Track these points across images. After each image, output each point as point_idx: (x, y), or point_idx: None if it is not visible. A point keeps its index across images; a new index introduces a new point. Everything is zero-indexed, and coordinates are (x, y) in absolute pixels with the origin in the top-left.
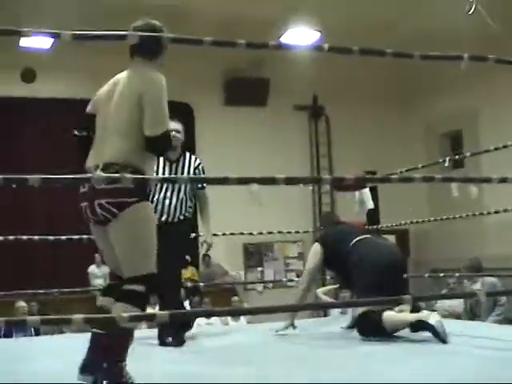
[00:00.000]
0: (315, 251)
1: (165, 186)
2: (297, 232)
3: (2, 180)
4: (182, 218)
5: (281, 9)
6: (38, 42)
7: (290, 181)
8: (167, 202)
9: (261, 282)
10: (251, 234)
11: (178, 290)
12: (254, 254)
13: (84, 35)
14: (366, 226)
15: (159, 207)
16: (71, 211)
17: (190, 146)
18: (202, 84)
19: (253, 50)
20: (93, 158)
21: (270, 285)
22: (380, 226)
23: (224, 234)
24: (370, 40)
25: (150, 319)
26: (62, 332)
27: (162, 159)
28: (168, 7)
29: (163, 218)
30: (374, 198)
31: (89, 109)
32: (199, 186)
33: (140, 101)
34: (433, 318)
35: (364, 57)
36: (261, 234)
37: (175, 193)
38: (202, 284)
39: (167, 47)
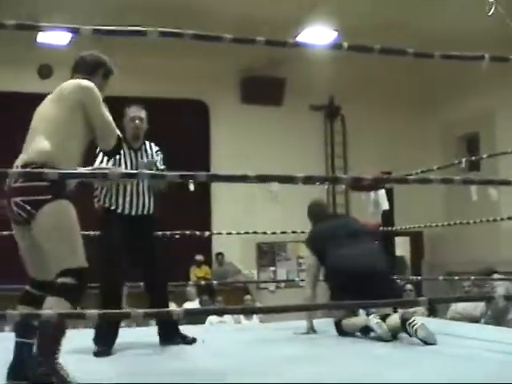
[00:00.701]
0: (308, 253)
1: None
2: None
3: None
4: (151, 211)
5: (297, 8)
6: (55, 38)
7: (309, 179)
8: (140, 193)
9: (273, 282)
10: (265, 233)
11: (166, 286)
12: (267, 254)
13: (103, 30)
14: (381, 228)
15: (129, 199)
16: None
17: (205, 143)
18: (218, 82)
19: (269, 49)
20: (17, 160)
21: (283, 284)
22: (394, 227)
23: (238, 233)
24: (388, 40)
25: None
26: (75, 327)
27: (124, 148)
28: (183, 5)
29: (134, 212)
30: (390, 199)
31: None
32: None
33: (78, 108)
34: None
35: (381, 57)
36: (274, 233)
37: (145, 184)
38: (214, 282)
39: (107, 74)
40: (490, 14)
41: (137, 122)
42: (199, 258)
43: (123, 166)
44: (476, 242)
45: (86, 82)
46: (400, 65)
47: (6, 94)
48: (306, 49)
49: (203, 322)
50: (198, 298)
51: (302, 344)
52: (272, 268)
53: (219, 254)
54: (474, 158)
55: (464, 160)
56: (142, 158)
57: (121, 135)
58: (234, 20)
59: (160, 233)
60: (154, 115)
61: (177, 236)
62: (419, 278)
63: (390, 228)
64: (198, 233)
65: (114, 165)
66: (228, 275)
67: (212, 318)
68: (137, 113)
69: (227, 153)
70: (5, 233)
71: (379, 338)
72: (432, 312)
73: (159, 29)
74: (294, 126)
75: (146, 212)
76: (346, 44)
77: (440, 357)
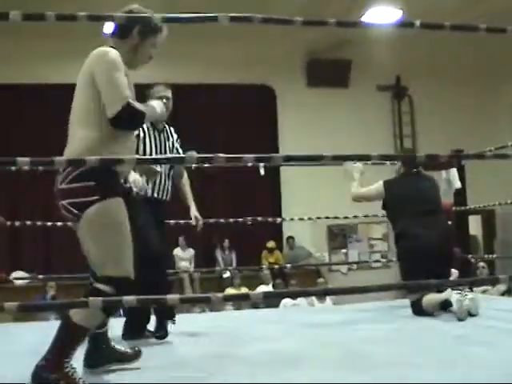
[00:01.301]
0: (377, 186)
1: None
2: (383, 216)
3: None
4: (168, 197)
5: None
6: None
7: (385, 158)
8: (162, 176)
9: (345, 264)
10: (337, 217)
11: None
12: (338, 236)
13: (173, 18)
14: (454, 207)
15: (158, 181)
16: None
17: (272, 128)
18: (284, 66)
19: (333, 31)
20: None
21: (355, 266)
22: (468, 206)
23: (310, 219)
24: (456, 16)
25: (245, 298)
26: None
27: (149, 127)
28: None
29: (161, 195)
30: (462, 178)
31: None
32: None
33: (93, 82)
34: (453, 298)
35: (447, 34)
36: (346, 217)
37: (166, 167)
38: (287, 266)
39: (147, 32)
40: None
41: (164, 101)
42: (271, 244)
43: (148, 146)
44: None
45: (96, 51)
46: (466, 42)
47: (66, 86)
48: (370, 29)
49: (277, 306)
50: (272, 281)
51: (380, 324)
52: (343, 250)
53: (290, 237)
54: None
55: None
56: (167, 139)
57: (137, 106)
58: (297, 3)
59: (237, 219)
60: (223, 101)
61: (249, 223)
62: (493, 256)
63: (462, 207)
64: (270, 219)
65: (136, 143)
66: (299, 259)
67: (286, 301)
68: (163, 92)
69: (295, 137)
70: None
71: (455, 316)
72: (507, 291)
73: (230, 14)
74: (362, 107)
75: (167, 197)
76: (418, 22)
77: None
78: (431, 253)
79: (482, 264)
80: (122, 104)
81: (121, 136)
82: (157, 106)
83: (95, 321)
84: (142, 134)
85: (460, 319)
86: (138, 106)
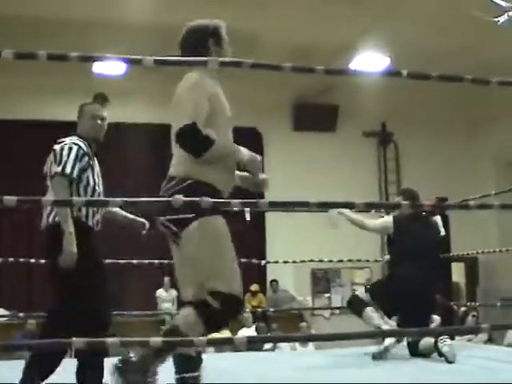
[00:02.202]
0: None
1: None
2: (367, 260)
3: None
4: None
5: (350, 35)
6: (111, 68)
7: (370, 206)
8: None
9: (328, 308)
10: (321, 261)
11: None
12: (322, 280)
13: (164, 61)
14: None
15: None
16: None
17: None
18: (271, 109)
19: (321, 77)
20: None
21: (337, 311)
22: (451, 254)
23: (294, 262)
24: (442, 65)
25: (229, 342)
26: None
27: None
28: (234, 34)
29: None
30: (446, 225)
31: None
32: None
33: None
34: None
35: (433, 83)
36: (331, 261)
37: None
38: (270, 309)
39: (220, 41)
40: None
41: (98, 121)
42: (254, 287)
43: (95, 173)
44: None
45: (186, 77)
46: (451, 91)
47: (62, 123)
48: (359, 75)
49: (260, 349)
50: (254, 324)
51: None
52: (327, 294)
53: (273, 280)
54: None
55: None
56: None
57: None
58: (285, 48)
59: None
60: None
61: None
62: (476, 304)
63: (446, 254)
64: (254, 261)
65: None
66: (282, 302)
67: (267, 345)
68: (98, 111)
69: (281, 180)
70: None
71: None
72: (489, 339)
73: (220, 59)
74: (348, 152)
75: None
76: (405, 72)
77: None
78: (419, 300)
79: (472, 312)
80: (184, 123)
81: (216, 159)
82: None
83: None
84: (90, 162)
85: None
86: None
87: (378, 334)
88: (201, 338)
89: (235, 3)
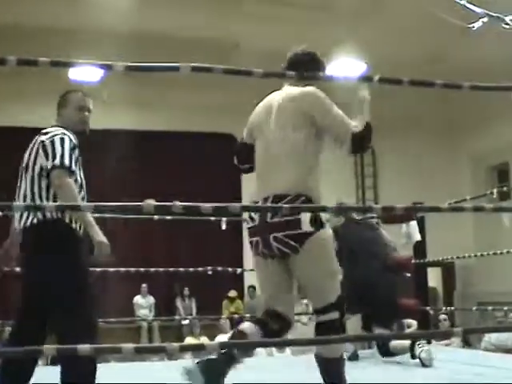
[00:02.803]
0: None
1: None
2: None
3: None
4: None
5: (328, 41)
6: (87, 75)
7: (341, 210)
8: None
9: (306, 314)
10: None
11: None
12: (300, 287)
13: (135, 67)
14: (413, 260)
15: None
16: (117, 240)
17: (235, 176)
18: (247, 116)
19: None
20: (260, 191)
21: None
22: (427, 259)
23: None
24: (418, 73)
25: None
26: (106, 361)
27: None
28: (211, 42)
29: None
30: (421, 230)
31: (247, 139)
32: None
33: (315, 125)
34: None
35: (410, 89)
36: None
37: None
38: (247, 315)
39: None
40: None
41: (86, 113)
42: (232, 293)
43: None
44: (507, 272)
45: (310, 91)
46: (429, 97)
47: (39, 129)
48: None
49: None
50: (232, 331)
51: None
52: (304, 301)
53: (251, 287)
54: (505, 188)
55: (495, 190)
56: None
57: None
58: (261, 54)
59: (197, 269)
60: (185, 149)
61: (209, 272)
62: (452, 308)
63: (422, 259)
64: (230, 269)
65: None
66: (260, 308)
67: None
68: (83, 102)
69: None
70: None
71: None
72: (466, 343)
73: (191, 64)
74: (325, 158)
75: None
76: (376, 77)
77: None
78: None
79: (443, 316)
80: (361, 126)
81: (319, 175)
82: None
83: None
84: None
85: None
86: None
87: (355, 339)
88: (174, 344)
89: (212, 11)
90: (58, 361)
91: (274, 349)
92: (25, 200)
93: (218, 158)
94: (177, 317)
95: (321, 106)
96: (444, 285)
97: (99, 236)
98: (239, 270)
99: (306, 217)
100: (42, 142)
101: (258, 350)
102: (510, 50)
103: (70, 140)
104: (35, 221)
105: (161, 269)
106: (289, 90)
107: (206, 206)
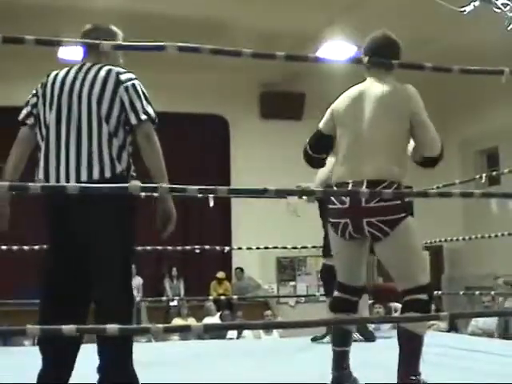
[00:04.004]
0: None
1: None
2: None
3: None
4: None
5: (318, 23)
6: (75, 54)
7: (329, 193)
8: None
9: (293, 296)
10: (285, 248)
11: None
12: (287, 268)
13: (122, 46)
14: None
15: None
16: None
17: (225, 158)
18: (238, 97)
19: (288, 64)
20: (351, 174)
21: (303, 299)
22: None
23: (258, 248)
24: (407, 56)
25: (187, 330)
26: (95, 342)
27: None
28: (203, 21)
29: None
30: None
31: (325, 130)
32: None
33: (410, 118)
34: None
35: (400, 73)
36: (295, 248)
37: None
38: (234, 297)
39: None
40: (509, 28)
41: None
42: (220, 274)
43: None
44: (495, 256)
45: (414, 93)
46: (418, 80)
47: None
48: (325, 63)
49: (224, 337)
50: (219, 312)
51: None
52: (292, 283)
53: (238, 268)
54: (494, 172)
55: (484, 175)
56: None
57: None
58: (255, 33)
59: (185, 247)
60: (175, 130)
61: (197, 251)
62: (440, 292)
63: None
64: (218, 248)
65: None
66: (248, 290)
67: (231, 333)
68: None
69: (247, 167)
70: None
71: None
72: (452, 327)
73: (178, 44)
74: None
75: None
76: (366, 58)
77: (461, 372)
78: None
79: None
80: (439, 150)
81: (408, 166)
82: None
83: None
84: None
85: None
86: None
87: (341, 322)
88: (158, 325)
89: None
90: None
91: (261, 331)
92: (100, 156)
93: (208, 139)
94: (164, 298)
95: (418, 106)
96: (432, 269)
97: (171, 202)
98: (227, 249)
99: (395, 202)
100: (123, 83)
101: (246, 332)
102: (501, 35)
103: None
104: (108, 175)
105: (148, 247)
106: (385, 85)
107: (192, 188)
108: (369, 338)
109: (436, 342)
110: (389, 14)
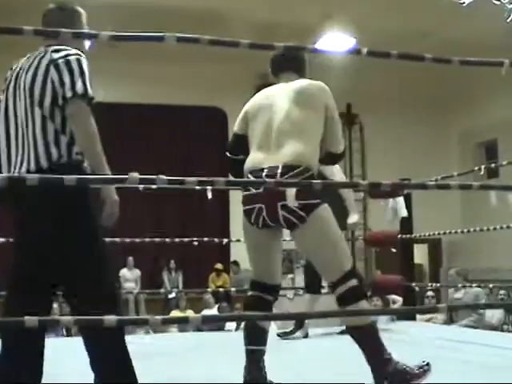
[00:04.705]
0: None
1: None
2: None
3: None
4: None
5: (316, 16)
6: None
7: (328, 186)
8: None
9: (291, 289)
10: (283, 240)
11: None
12: (285, 261)
13: (120, 36)
14: (400, 235)
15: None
16: None
17: (223, 150)
18: (236, 89)
19: None
20: (262, 160)
21: (301, 291)
22: (414, 235)
23: None
24: (407, 48)
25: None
26: None
27: None
28: (201, 13)
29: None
30: (408, 206)
31: (239, 130)
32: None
33: (324, 112)
34: None
35: (399, 65)
36: (292, 240)
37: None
38: (232, 289)
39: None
40: (509, 20)
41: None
42: (218, 266)
43: None
44: (494, 249)
45: (319, 83)
46: (417, 73)
47: None
48: (323, 56)
49: (222, 329)
50: (216, 305)
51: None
52: (290, 275)
53: (234, 262)
54: (493, 165)
55: (483, 167)
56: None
57: None
58: (254, 25)
59: (183, 239)
60: (173, 122)
61: (195, 243)
62: (438, 285)
63: (408, 235)
64: (216, 240)
65: None
66: (246, 282)
67: (230, 325)
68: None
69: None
70: None
71: None
72: (450, 320)
73: (177, 34)
74: None
75: None
76: (364, 50)
77: (459, 365)
78: None
79: (430, 293)
80: (343, 148)
81: (318, 156)
82: None
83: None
84: None
85: None
86: None
87: (339, 314)
88: (156, 317)
89: None
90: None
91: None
92: (35, 144)
93: (206, 131)
94: (162, 290)
95: (331, 101)
96: (430, 262)
97: (115, 194)
98: (225, 241)
99: (291, 192)
100: (55, 60)
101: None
102: (501, 26)
103: (87, 65)
104: (45, 164)
105: (147, 239)
106: (296, 82)
107: (191, 179)
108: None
109: (434, 335)
110: (388, 6)
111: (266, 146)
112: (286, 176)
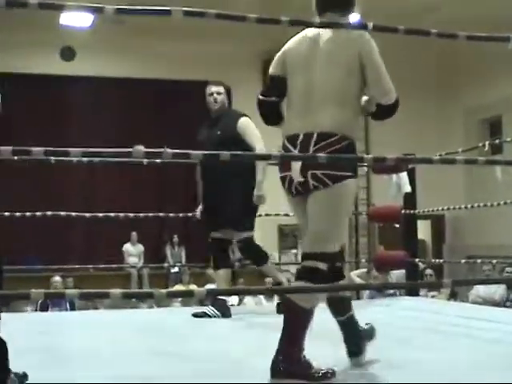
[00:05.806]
0: None
1: None
2: None
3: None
4: None
5: None
6: (77, 20)
7: (332, 159)
8: None
9: (295, 264)
10: (287, 215)
11: None
12: (289, 236)
13: (126, 10)
14: (403, 211)
15: None
16: (108, 188)
17: None
18: (241, 64)
19: (291, 32)
20: (298, 126)
21: None
22: (417, 211)
23: (259, 216)
24: (412, 24)
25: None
26: (96, 308)
27: None
28: None
29: None
30: (412, 181)
31: (276, 71)
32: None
33: (359, 64)
34: None
35: (404, 40)
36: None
37: None
38: (236, 264)
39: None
40: None
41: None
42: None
43: None
44: (497, 226)
45: (366, 36)
46: (422, 48)
47: (29, 76)
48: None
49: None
50: None
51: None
52: (294, 250)
53: None
54: (497, 141)
55: (487, 143)
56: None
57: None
58: (255, 3)
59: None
60: (178, 97)
61: (198, 217)
62: (441, 261)
63: (412, 211)
64: None
65: None
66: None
67: (232, 299)
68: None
69: None
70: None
71: None
72: (453, 295)
73: (183, 8)
74: None
75: None
76: (370, 24)
77: (463, 340)
78: None
79: (429, 272)
80: (396, 96)
81: (360, 122)
82: None
83: (317, 301)
84: None
85: None
86: None
87: (341, 288)
88: (161, 290)
89: None
90: None
91: (262, 298)
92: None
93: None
94: (165, 265)
95: (366, 46)
96: (433, 237)
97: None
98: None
99: (297, 165)
100: None
101: (247, 299)
102: (506, 3)
103: None
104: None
105: (150, 214)
106: (336, 31)
107: (196, 153)
108: (224, 313)
109: (436, 310)
110: None
111: (302, 110)
112: (319, 145)
